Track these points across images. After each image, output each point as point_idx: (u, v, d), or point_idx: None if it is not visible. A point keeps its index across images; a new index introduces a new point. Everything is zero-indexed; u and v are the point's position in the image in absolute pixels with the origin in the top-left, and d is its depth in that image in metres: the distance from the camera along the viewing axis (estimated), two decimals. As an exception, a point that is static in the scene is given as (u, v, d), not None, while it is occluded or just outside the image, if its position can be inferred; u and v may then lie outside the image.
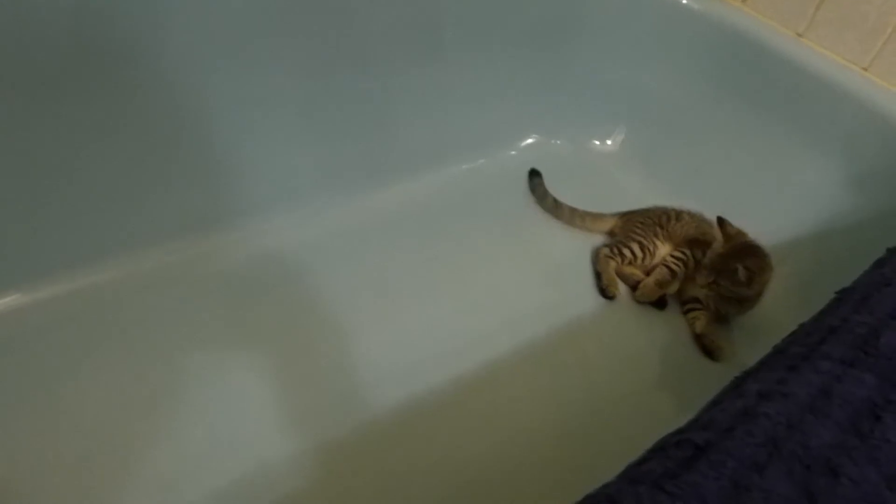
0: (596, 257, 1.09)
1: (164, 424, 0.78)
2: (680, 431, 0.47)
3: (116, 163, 0.89)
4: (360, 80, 1.04)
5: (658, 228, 1.08)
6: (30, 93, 0.78)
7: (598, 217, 1.16)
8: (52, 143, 0.83)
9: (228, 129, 0.96)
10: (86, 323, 0.87)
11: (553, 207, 1.17)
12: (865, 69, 1.05)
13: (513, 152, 1.30)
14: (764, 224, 0.99)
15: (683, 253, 1.03)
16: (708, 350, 0.98)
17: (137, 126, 0.88)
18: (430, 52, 1.09)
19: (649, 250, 1.06)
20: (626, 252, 1.07)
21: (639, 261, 1.07)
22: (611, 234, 1.16)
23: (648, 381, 0.95)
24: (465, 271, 1.06)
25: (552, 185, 1.21)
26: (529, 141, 1.32)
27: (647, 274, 1.06)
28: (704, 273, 0.95)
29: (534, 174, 1.23)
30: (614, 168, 1.30)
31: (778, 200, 1.12)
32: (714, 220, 0.99)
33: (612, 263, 1.07)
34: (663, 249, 1.07)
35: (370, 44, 1.01)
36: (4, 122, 0.78)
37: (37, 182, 0.84)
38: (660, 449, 0.46)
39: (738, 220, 0.97)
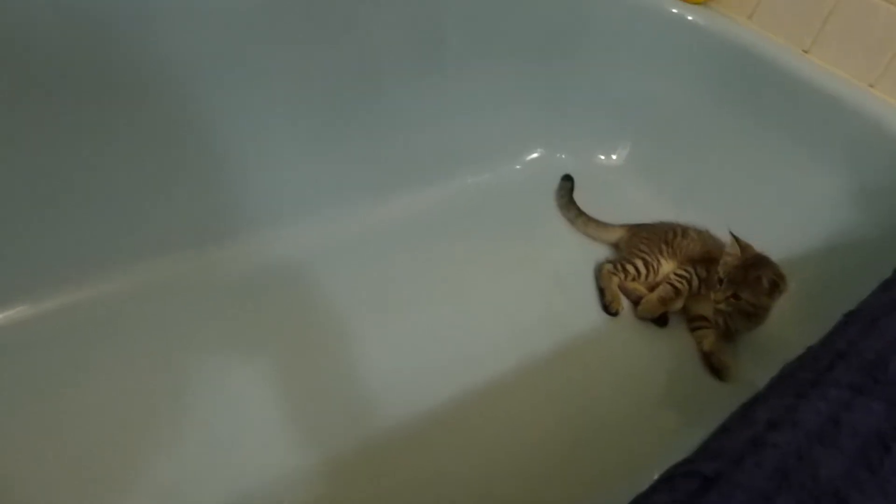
0: (599, 273, 1.09)
1: (166, 434, 0.78)
2: (688, 461, 0.47)
3: (123, 174, 0.89)
4: (366, 93, 1.05)
5: (663, 245, 1.07)
6: (35, 105, 0.78)
7: (604, 226, 1.17)
8: (59, 154, 0.83)
9: (234, 141, 0.96)
10: (91, 333, 0.86)
11: (568, 212, 1.19)
12: (872, 86, 1.05)
13: (518, 166, 1.30)
14: (769, 239, 0.99)
15: (687, 270, 1.03)
16: (715, 368, 0.97)
17: (144, 138, 0.88)
18: (435, 67, 1.09)
19: (653, 267, 1.06)
20: (630, 268, 1.06)
21: (642, 277, 1.06)
22: (616, 245, 1.15)
23: (652, 398, 0.94)
24: (469, 285, 1.06)
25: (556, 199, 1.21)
26: (534, 155, 1.32)
27: (651, 290, 1.05)
28: (722, 287, 0.94)
29: (566, 178, 1.24)
30: (619, 182, 1.30)
31: (783, 216, 1.12)
32: (720, 235, 0.98)
33: (616, 279, 1.07)
34: (667, 266, 1.06)
35: (376, 58, 1.01)
36: (11, 134, 0.78)
37: (43, 195, 0.84)
38: (667, 479, 0.45)
39: (743, 235, 0.97)
